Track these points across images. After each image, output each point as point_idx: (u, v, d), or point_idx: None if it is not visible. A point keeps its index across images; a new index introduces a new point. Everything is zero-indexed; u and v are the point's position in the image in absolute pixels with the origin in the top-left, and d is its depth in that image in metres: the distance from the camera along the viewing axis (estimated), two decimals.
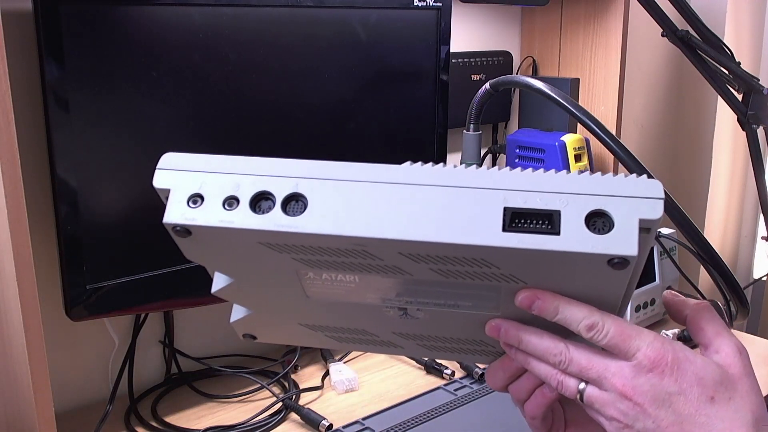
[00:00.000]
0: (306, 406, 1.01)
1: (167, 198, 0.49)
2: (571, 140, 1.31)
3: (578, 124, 1.21)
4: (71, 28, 0.80)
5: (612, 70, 1.41)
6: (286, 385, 1.08)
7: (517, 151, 1.36)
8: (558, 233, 0.45)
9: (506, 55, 1.47)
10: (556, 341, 0.52)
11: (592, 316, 0.50)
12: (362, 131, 1.09)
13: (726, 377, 0.50)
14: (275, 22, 0.96)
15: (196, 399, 1.06)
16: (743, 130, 1.32)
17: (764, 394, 1.12)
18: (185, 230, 0.49)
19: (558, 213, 0.46)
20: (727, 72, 1.28)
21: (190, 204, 0.48)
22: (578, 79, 1.46)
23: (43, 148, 0.83)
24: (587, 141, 1.35)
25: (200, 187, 0.48)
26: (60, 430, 0.76)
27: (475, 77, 1.41)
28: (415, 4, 1.10)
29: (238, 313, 0.60)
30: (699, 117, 1.89)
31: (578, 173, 0.47)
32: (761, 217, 1.79)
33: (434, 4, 1.13)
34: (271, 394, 1.06)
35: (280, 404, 1.02)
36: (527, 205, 0.46)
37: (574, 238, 0.45)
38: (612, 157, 1.40)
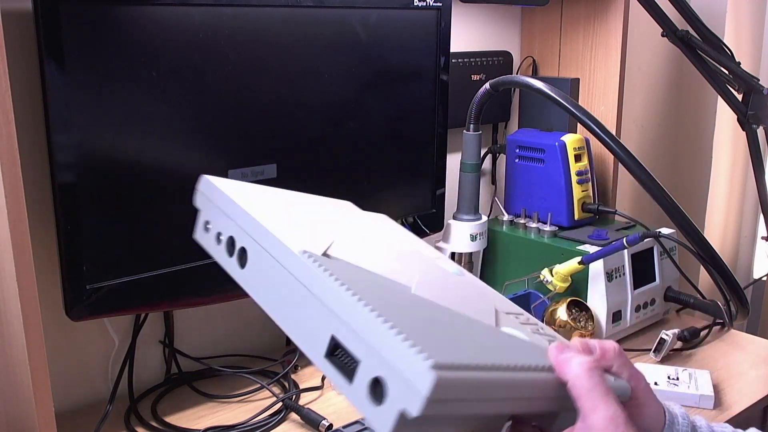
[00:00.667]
0: (306, 406, 1.01)
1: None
2: (571, 140, 1.31)
3: (578, 124, 1.21)
4: (71, 28, 0.80)
5: (612, 70, 1.41)
6: (286, 385, 1.08)
7: (517, 151, 1.36)
8: (351, 381, 0.45)
9: (506, 55, 1.47)
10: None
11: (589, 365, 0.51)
12: (362, 131, 1.09)
13: None
14: (275, 22, 0.96)
15: (196, 399, 1.06)
16: (743, 130, 1.32)
17: (764, 395, 1.13)
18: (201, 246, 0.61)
19: (357, 363, 0.45)
20: (727, 72, 1.28)
21: (204, 229, 0.59)
22: (578, 79, 1.46)
23: (43, 148, 0.83)
24: (587, 141, 1.35)
25: (212, 217, 0.58)
26: (60, 430, 0.76)
27: (475, 77, 1.41)
28: (415, 4, 1.10)
29: None
30: (699, 117, 1.89)
31: (390, 326, 0.44)
32: (761, 217, 1.79)
33: (434, 4, 1.13)
34: (271, 394, 1.06)
35: (280, 404, 1.02)
36: (345, 343, 0.46)
37: (357, 394, 0.44)
38: (612, 157, 1.40)
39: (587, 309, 1.17)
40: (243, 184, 0.61)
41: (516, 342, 0.54)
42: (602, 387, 0.50)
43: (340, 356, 0.46)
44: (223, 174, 0.95)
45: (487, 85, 1.18)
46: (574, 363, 0.51)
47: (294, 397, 1.04)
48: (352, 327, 0.46)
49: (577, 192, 1.31)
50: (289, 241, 0.51)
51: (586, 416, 0.49)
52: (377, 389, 0.44)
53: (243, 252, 0.54)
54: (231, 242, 0.55)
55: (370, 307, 0.46)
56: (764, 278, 1.99)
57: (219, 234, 0.56)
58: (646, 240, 1.17)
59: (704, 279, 1.69)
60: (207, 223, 0.58)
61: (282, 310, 0.51)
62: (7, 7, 0.84)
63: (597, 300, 1.19)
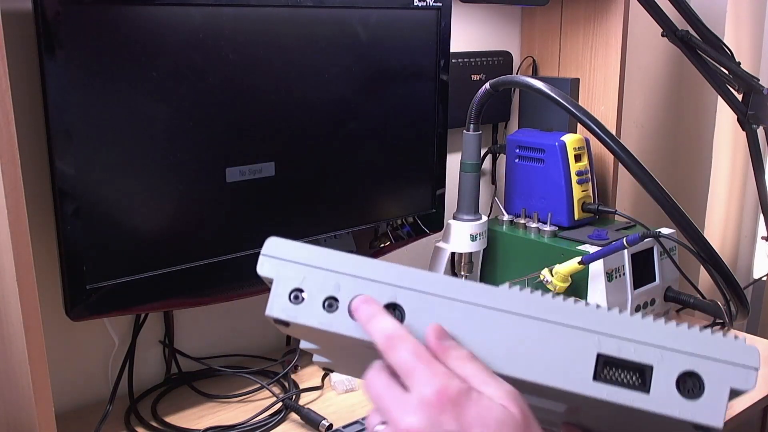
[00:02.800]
0: (306, 406, 1.01)
1: (270, 285, 0.50)
2: (571, 140, 1.31)
3: (578, 124, 1.21)
4: (71, 28, 0.80)
5: (612, 70, 1.41)
6: (286, 385, 1.08)
7: (517, 151, 1.36)
8: (647, 391, 0.44)
9: (506, 55, 1.47)
10: (374, 367, 0.48)
11: (394, 330, 0.47)
12: (362, 131, 1.09)
13: (510, 418, 0.45)
14: (275, 22, 0.96)
15: (196, 399, 1.06)
16: (743, 130, 1.32)
17: (764, 395, 1.13)
18: (284, 323, 0.49)
19: (650, 368, 0.45)
20: (727, 72, 1.28)
21: (292, 299, 0.49)
22: (578, 79, 1.46)
23: (43, 148, 0.83)
24: (587, 141, 1.35)
25: (302, 282, 0.49)
26: (60, 430, 0.76)
27: (475, 77, 1.41)
28: (415, 4, 1.10)
29: (320, 357, 0.60)
30: (699, 117, 1.89)
31: (675, 325, 0.45)
32: (761, 217, 1.79)
33: (434, 4, 1.13)
34: (271, 394, 1.06)
35: (280, 404, 1.02)
36: (620, 355, 0.45)
37: (662, 398, 0.44)
38: (612, 157, 1.40)
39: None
40: (292, 242, 0.52)
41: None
42: (486, 369, 0.47)
43: (609, 374, 0.45)
44: (221, 172, 0.95)
45: (487, 85, 1.18)
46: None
47: (294, 397, 1.04)
48: (627, 337, 0.45)
49: (577, 192, 1.31)
50: (464, 283, 0.48)
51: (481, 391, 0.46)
52: (684, 386, 0.44)
53: (388, 309, 0.48)
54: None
55: (627, 312, 0.46)
56: (764, 278, 1.99)
57: (329, 299, 0.48)
58: (646, 240, 1.17)
59: (704, 279, 1.69)
60: (296, 291, 0.49)
61: (495, 352, 0.47)
62: (7, 7, 0.84)
63: (597, 300, 1.18)
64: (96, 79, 0.83)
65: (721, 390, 0.44)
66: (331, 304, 0.48)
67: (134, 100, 0.86)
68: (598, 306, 0.47)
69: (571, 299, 0.47)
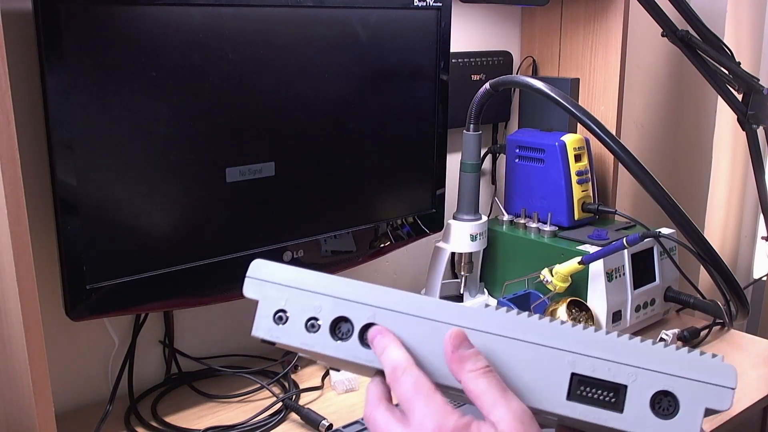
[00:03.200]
0: (306, 406, 1.01)
1: (256, 306, 0.52)
2: (571, 140, 1.31)
3: (578, 124, 1.21)
4: (71, 28, 0.80)
5: (612, 70, 1.41)
6: (286, 385, 1.08)
7: (517, 151, 1.36)
8: (621, 411, 0.45)
9: (506, 55, 1.47)
10: (374, 399, 0.49)
11: (400, 362, 0.48)
12: (362, 131, 1.09)
13: None
14: (275, 22, 0.96)
15: (196, 399, 1.06)
16: (743, 130, 1.32)
17: (764, 395, 1.13)
18: (270, 342, 0.51)
19: (624, 388, 0.45)
20: (727, 72, 1.28)
21: (276, 320, 0.51)
22: (578, 79, 1.46)
23: (43, 148, 0.83)
24: (587, 141, 1.35)
25: (285, 303, 0.51)
26: (60, 430, 0.76)
27: (475, 77, 1.41)
28: (415, 4, 1.10)
29: (320, 361, 0.62)
30: (699, 117, 1.89)
31: (651, 343, 0.45)
32: (761, 217, 1.79)
33: (434, 4, 1.13)
34: (271, 394, 1.06)
35: (280, 404, 1.02)
36: (594, 374, 0.46)
37: (636, 418, 0.44)
38: (612, 157, 1.40)
39: (587, 309, 1.17)
40: (278, 265, 0.53)
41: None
42: (500, 385, 0.47)
43: (583, 393, 0.46)
44: (221, 171, 0.95)
45: (487, 85, 1.18)
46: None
47: (294, 397, 1.04)
48: (601, 357, 0.45)
49: (577, 192, 1.31)
50: (440, 303, 0.49)
51: (489, 412, 0.46)
52: (659, 405, 0.44)
53: (367, 329, 0.49)
54: (337, 323, 0.50)
55: (603, 331, 0.46)
56: (764, 278, 1.99)
57: (311, 320, 0.50)
58: (646, 240, 1.17)
59: (704, 279, 1.69)
60: (280, 312, 0.51)
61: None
62: (7, 7, 0.84)
63: (597, 300, 1.19)
64: (96, 78, 0.83)
65: (696, 409, 0.44)
66: (313, 324, 0.50)
67: (134, 100, 0.86)
68: (573, 325, 0.47)
69: (547, 318, 0.48)
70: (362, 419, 0.97)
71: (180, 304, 1.00)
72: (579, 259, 1.17)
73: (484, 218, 1.27)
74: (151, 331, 1.09)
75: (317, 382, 1.09)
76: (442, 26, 1.15)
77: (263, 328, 0.51)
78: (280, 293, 0.51)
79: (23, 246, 0.69)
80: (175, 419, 1.01)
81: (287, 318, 0.51)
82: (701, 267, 1.43)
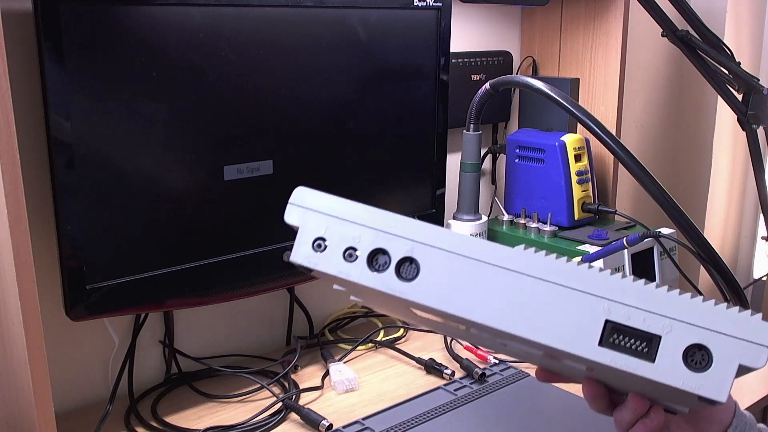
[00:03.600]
0: (306, 406, 1.01)
1: (295, 233, 0.52)
2: (571, 140, 1.31)
3: (578, 124, 1.21)
4: (71, 28, 0.80)
5: (612, 70, 1.41)
6: (286, 385, 1.08)
7: (517, 151, 1.36)
8: (653, 360, 0.45)
9: (506, 55, 1.47)
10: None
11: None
12: (362, 131, 1.09)
13: None
14: (275, 22, 0.96)
15: (196, 399, 1.06)
16: (743, 130, 1.32)
17: (764, 395, 1.13)
18: (307, 269, 0.52)
19: (658, 338, 0.45)
20: (727, 72, 1.28)
21: (315, 247, 0.51)
22: (578, 79, 1.46)
23: (43, 148, 0.83)
24: (587, 141, 1.35)
25: (325, 231, 0.51)
26: (60, 430, 0.76)
27: (475, 77, 1.41)
28: (415, 4, 1.10)
29: (354, 297, 0.62)
30: (699, 117, 1.89)
31: (690, 297, 0.45)
32: (761, 217, 1.79)
33: (434, 4, 1.13)
34: (271, 394, 1.06)
35: (280, 404, 1.02)
36: (629, 323, 0.45)
37: (667, 369, 0.44)
38: (612, 157, 1.40)
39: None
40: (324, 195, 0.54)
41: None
42: None
43: (616, 340, 0.45)
44: (220, 169, 0.95)
45: (487, 85, 1.18)
46: None
47: (294, 397, 1.04)
48: (637, 306, 0.45)
49: (577, 192, 1.31)
50: (481, 242, 0.49)
51: None
52: (691, 357, 0.44)
53: (404, 263, 0.50)
54: (374, 254, 0.50)
55: (641, 281, 0.45)
56: (764, 278, 1.99)
57: (349, 249, 0.51)
58: (646, 240, 1.17)
59: (704, 279, 1.69)
60: (319, 239, 0.51)
61: (505, 311, 0.47)
62: (7, 7, 0.84)
63: None
64: (96, 78, 0.83)
65: (730, 365, 0.44)
66: (350, 254, 0.50)
67: (134, 99, 0.87)
68: (612, 273, 0.47)
69: (585, 265, 0.48)
70: (362, 419, 0.97)
71: (180, 304, 1.00)
72: (579, 259, 1.17)
73: (484, 218, 1.27)
74: (151, 331, 1.09)
75: (317, 382, 1.09)
76: (442, 26, 1.15)
77: (302, 253, 0.51)
78: (321, 221, 0.51)
79: (23, 246, 0.69)
80: (175, 419, 1.01)
81: (326, 246, 0.51)
82: (701, 267, 1.43)
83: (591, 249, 1.21)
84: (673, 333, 0.45)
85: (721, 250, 1.91)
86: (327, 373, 1.11)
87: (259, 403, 1.04)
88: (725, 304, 0.46)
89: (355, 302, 0.64)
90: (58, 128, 0.81)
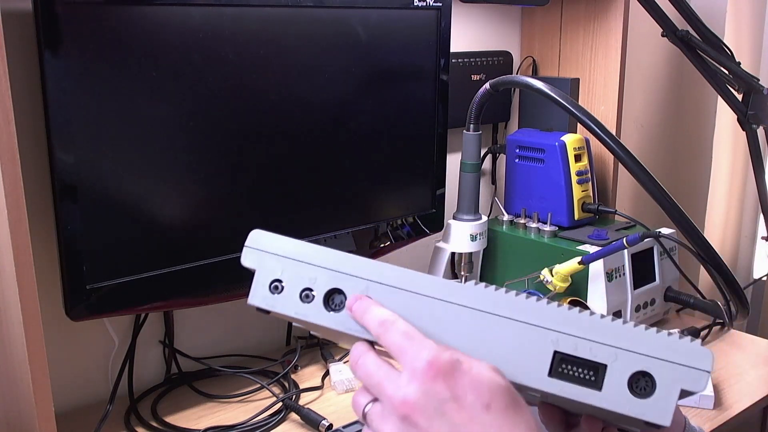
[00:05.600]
0: (306, 406, 1.01)
1: (252, 275, 0.53)
2: (571, 140, 1.31)
3: (578, 124, 1.21)
4: (71, 28, 0.80)
5: (612, 70, 1.41)
6: (286, 385, 1.08)
7: (517, 151, 1.36)
8: (600, 389, 0.47)
9: (506, 55, 1.47)
10: (362, 348, 0.51)
11: (387, 316, 0.49)
12: (362, 131, 1.09)
13: (503, 384, 0.47)
14: (275, 22, 0.96)
15: (196, 399, 1.06)
16: (743, 130, 1.32)
17: (764, 395, 1.12)
18: (265, 311, 0.53)
19: (604, 367, 0.47)
20: (727, 72, 1.28)
21: (272, 289, 0.52)
22: (578, 79, 1.46)
23: (43, 149, 0.83)
24: (587, 141, 1.35)
25: (281, 273, 0.52)
26: (60, 430, 0.76)
27: (475, 77, 1.41)
28: (415, 4, 1.10)
29: (314, 332, 0.64)
30: (699, 117, 1.89)
31: (633, 326, 0.47)
32: (761, 217, 1.79)
33: (434, 4, 1.13)
34: (271, 394, 1.06)
35: (280, 404, 1.02)
36: (576, 353, 0.47)
37: (614, 397, 0.46)
38: (612, 157, 1.40)
39: (587, 309, 1.17)
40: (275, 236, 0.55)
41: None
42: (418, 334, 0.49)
43: (565, 370, 0.47)
44: (219, 169, 0.95)
45: (487, 85, 1.18)
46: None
47: (294, 397, 1.04)
48: (584, 336, 0.47)
49: (577, 192, 1.31)
50: (432, 279, 0.51)
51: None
52: (636, 384, 0.46)
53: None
54: (330, 294, 0.51)
55: (587, 312, 0.47)
56: (764, 278, 1.99)
57: (305, 290, 0.52)
58: (646, 240, 1.17)
59: (704, 279, 1.69)
60: (276, 281, 0.52)
61: (457, 345, 0.49)
62: (7, 7, 0.84)
63: (597, 300, 1.19)
64: (96, 78, 0.83)
65: (672, 390, 0.46)
66: (307, 295, 0.51)
67: (134, 99, 0.86)
68: (559, 305, 0.49)
69: (533, 297, 0.50)
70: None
71: (180, 304, 1.00)
72: (579, 259, 1.17)
73: (484, 218, 1.27)
74: (151, 331, 1.09)
75: (317, 382, 1.09)
76: (442, 26, 1.15)
77: (259, 296, 0.52)
78: (277, 263, 0.52)
79: (23, 246, 0.69)
80: (175, 419, 1.01)
81: (283, 287, 0.52)
82: (701, 267, 1.43)
83: (591, 249, 1.21)
84: (618, 361, 0.47)
85: (721, 250, 1.91)
86: (327, 373, 1.11)
87: (259, 403, 1.04)
88: (666, 332, 0.47)
89: None
90: (58, 128, 0.81)
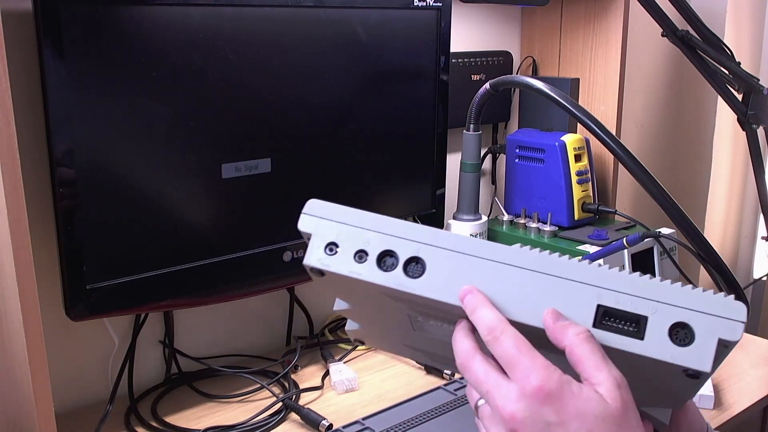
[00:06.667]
0: (306, 406, 1.01)
1: (308, 240, 0.56)
2: (571, 140, 1.31)
3: (578, 124, 1.21)
4: (71, 28, 0.80)
5: (612, 70, 1.41)
6: (286, 385, 1.08)
7: (517, 151, 1.36)
8: (642, 338, 0.50)
9: (506, 55, 1.47)
10: (469, 351, 0.52)
11: (497, 323, 0.51)
12: (362, 131, 1.09)
13: (607, 412, 0.48)
14: (275, 22, 0.96)
15: (196, 399, 1.06)
16: (743, 130, 1.32)
17: (764, 395, 1.13)
18: (319, 272, 0.56)
19: (645, 319, 0.50)
20: (727, 72, 1.28)
21: (327, 251, 0.55)
22: (578, 79, 1.46)
23: (43, 148, 0.83)
24: (587, 141, 1.35)
25: (337, 236, 0.55)
26: (60, 430, 0.76)
27: (475, 77, 1.41)
28: (415, 4, 1.10)
29: (351, 324, 0.67)
30: (699, 117, 1.89)
31: (670, 283, 0.51)
32: (761, 217, 1.79)
33: (434, 4, 1.13)
34: (271, 394, 1.06)
35: (280, 404, 1.02)
36: (619, 306, 0.51)
37: (655, 345, 0.49)
38: (612, 157, 1.40)
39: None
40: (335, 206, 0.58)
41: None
42: (601, 352, 0.50)
43: (608, 323, 0.51)
44: (217, 167, 0.95)
45: (487, 85, 1.18)
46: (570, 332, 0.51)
47: (294, 397, 1.04)
48: (625, 291, 0.50)
49: (577, 192, 1.31)
50: (482, 242, 0.54)
51: (591, 375, 0.49)
52: (676, 335, 0.49)
53: (411, 262, 0.54)
54: (383, 256, 0.54)
55: (626, 270, 0.52)
56: (764, 278, 1.99)
57: (359, 252, 0.54)
58: (646, 240, 1.17)
59: (704, 279, 1.69)
60: (331, 244, 0.55)
61: (506, 302, 0.52)
62: (7, 7, 0.84)
63: None
64: (95, 78, 0.83)
65: (710, 339, 0.49)
66: (361, 256, 0.54)
67: (134, 99, 0.87)
68: (600, 264, 0.52)
69: (576, 258, 0.53)
70: (362, 419, 0.97)
71: (180, 304, 1.00)
72: (579, 259, 1.17)
73: (484, 218, 1.27)
74: (151, 331, 1.09)
75: (317, 382, 1.09)
76: (442, 26, 1.15)
77: (315, 257, 0.55)
78: (333, 228, 0.55)
79: (23, 246, 0.69)
80: (175, 419, 1.01)
81: (338, 250, 0.55)
82: (701, 267, 1.43)
83: (591, 249, 1.21)
84: (658, 314, 0.50)
85: (721, 250, 1.91)
86: (327, 373, 1.11)
87: (259, 403, 1.04)
88: (702, 288, 0.51)
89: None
90: (58, 128, 0.81)
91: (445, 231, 0.55)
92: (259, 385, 1.08)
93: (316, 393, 1.07)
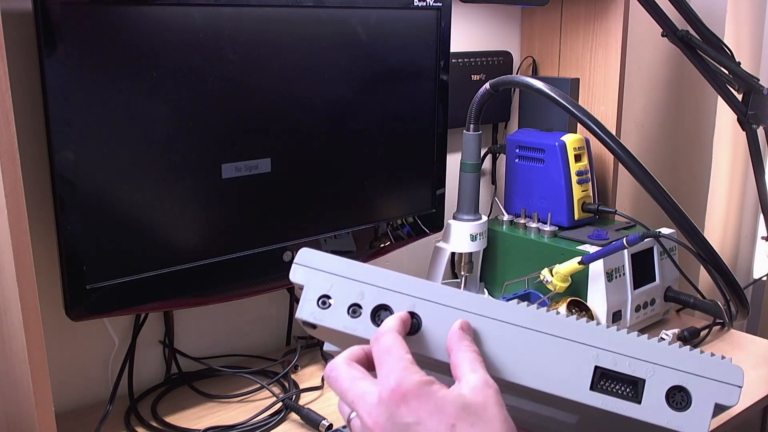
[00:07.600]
0: (306, 406, 1.01)
1: (301, 291, 0.55)
2: (571, 140, 1.31)
3: (578, 124, 1.21)
4: (71, 28, 0.80)
5: (612, 70, 1.41)
6: (286, 385, 1.08)
7: (517, 151, 1.36)
8: (639, 402, 0.49)
9: (506, 55, 1.47)
10: (334, 362, 0.51)
11: (387, 330, 0.50)
12: (362, 131, 1.09)
13: (469, 405, 0.47)
14: (275, 22, 0.96)
15: (196, 399, 1.06)
16: (743, 130, 1.32)
17: (763, 395, 1.13)
18: (312, 325, 0.54)
19: (643, 381, 0.49)
20: (727, 72, 1.28)
21: (320, 304, 0.54)
22: (578, 79, 1.46)
23: (43, 148, 0.83)
24: (587, 141, 1.35)
25: (330, 289, 0.54)
26: (60, 430, 0.76)
27: (475, 77, 1.41)
28: (415, 4, 1.10)
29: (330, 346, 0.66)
30: (699, 117, 1.89)
31: (667, 344, 0.50)
32: (761, 217, 1.79)
33: (434, 4, 1.13)
34: (271, 394, 1.06)
35: (280, 404, 1.02)
36: (616, 368, 0.50)
37: (652, 409, 0.49)
38: (612, 157, 1.40)
39: (587, 309, 1.17)
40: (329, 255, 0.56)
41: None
42: (481, 363, 0.50)
43: (605, 385, 0.50)
44: (217, 167, 0.95)
45: (487, 85, 1.18)
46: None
47: (294, 397, 1.04)
48: (622, 353, 0.50)
49: (577, 192, 1.31)
50: (478, 297, 0.53)
51: (463, 375, 0.49)
52: (672, 399, 0.49)
53: (413, 316, 0.53)
54: (377, 310, 0.53)
55: (624, 330, 0.50)
56: (764, 278, 1.99)
57: (353, 306, 0.53)
58: (646, 240, 1.17)
59: (704, 279, 1.69)
60: (324, 297, 0.54)
61: (502, 361, 0.51)
62: (7, 7, 0.84)
63: (597, 300, 1.19)
64: (95, 78, 0.83)
65: (707, 405, 0.48)
66: (355, 310, 0.53)
67: (134, 99, 0.87)
68: (597, 323, 0.51)
69: (573, 317, 0.52)
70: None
71: (180, 304, 1.00)
72: (579, 259, 1.17)
73: (484, 218, 1.27)
74: (151, 331, 1.09)
75: (317, 382, 1.09)
76: (442, 26, 1.15)
77: (307, 310, 0.54)
78: (326, 280, 0.54)
79: (23, 246, 0.69)
80: (175, 419, 1.01)
81: (330, 303, 0.53)
82: (701, 267, 1.43)
83: (591, 249, 1.21)
84: (655, 376, 0.49)
85: (721, 250, 1.90)
86: None
87: (259, 403, 1.04)
88: (699, 350, 0.50)
89: None
90: (58, 128, 0.81)
91: (440, 285, 0.54)
92: (259, 385, 1.08)
93: (316, 393, 1.07)
